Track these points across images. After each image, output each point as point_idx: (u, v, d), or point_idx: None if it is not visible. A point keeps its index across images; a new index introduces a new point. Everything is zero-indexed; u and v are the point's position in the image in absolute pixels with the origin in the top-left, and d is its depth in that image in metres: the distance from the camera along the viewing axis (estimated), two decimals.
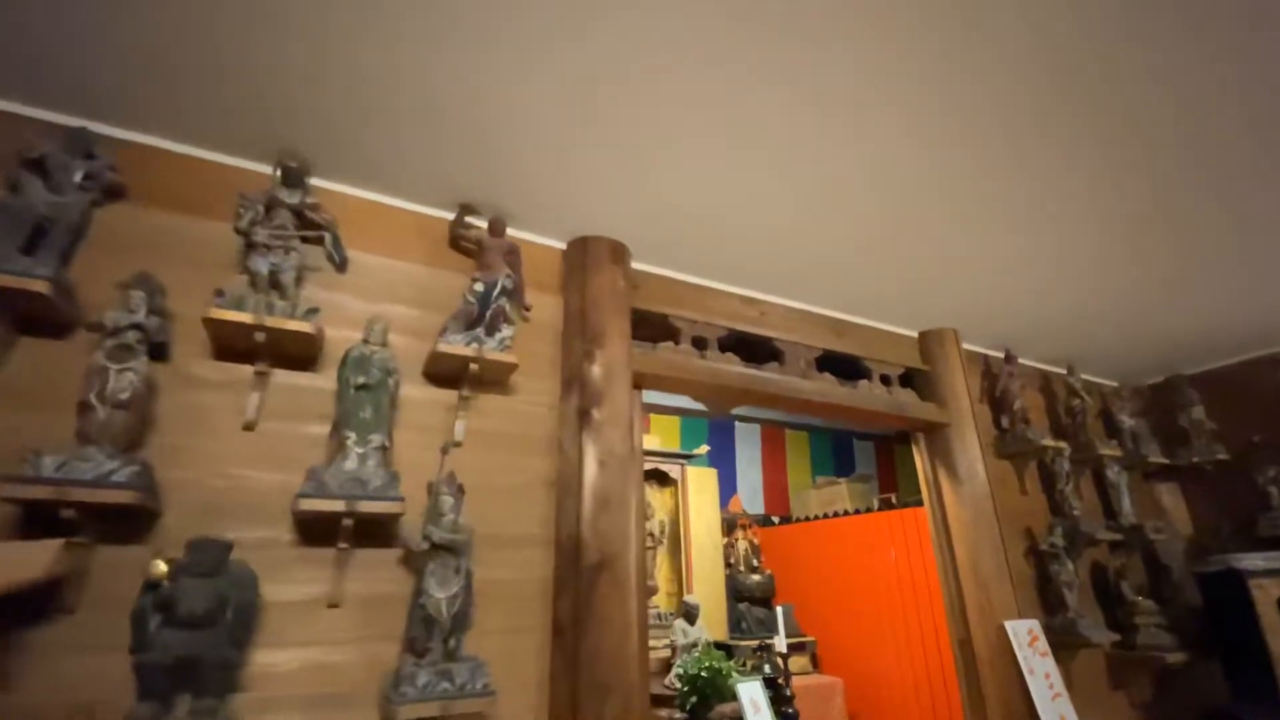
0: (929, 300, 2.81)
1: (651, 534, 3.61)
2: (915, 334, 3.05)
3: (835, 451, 5.83)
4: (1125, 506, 3.23)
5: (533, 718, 1.67)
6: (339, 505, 1.41)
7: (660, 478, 3.79)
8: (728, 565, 4.09)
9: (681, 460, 3.80)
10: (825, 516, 4.19)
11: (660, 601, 3.59)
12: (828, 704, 3.43)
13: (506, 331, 1.89)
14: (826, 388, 2.54)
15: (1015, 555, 2.82)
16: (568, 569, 1.76)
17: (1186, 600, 3.13)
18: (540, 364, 2.04)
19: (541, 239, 2.19)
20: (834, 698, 3.46)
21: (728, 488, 4.95)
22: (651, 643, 3.17)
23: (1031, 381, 3.42)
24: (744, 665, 3.42)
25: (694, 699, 2.48)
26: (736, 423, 5.37)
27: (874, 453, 6.10)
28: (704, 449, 3.98)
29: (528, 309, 2.01)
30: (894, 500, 3.84)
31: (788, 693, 2.76)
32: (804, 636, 3.84)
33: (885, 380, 2.79)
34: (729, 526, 4.27)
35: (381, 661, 1.52)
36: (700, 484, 3.87)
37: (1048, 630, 2.63)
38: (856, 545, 3.86)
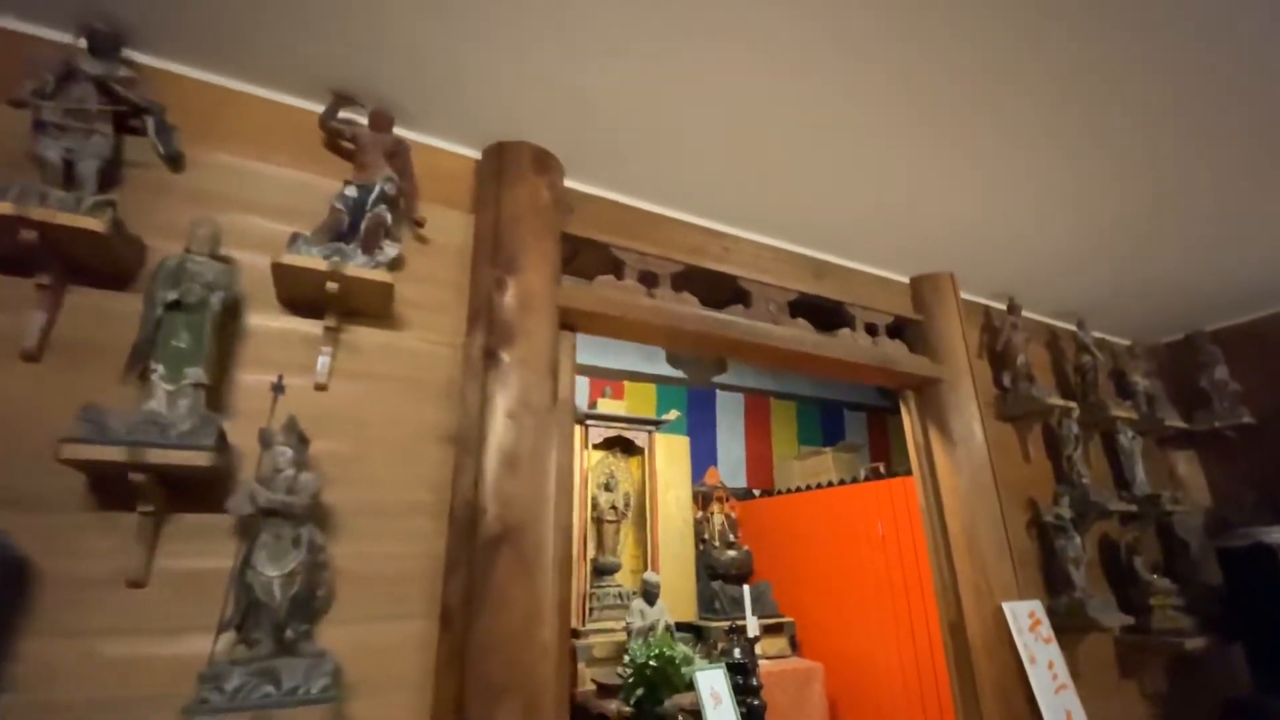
0: (924, 240, 2.44)
1: (614, 507, 3.28)
2: (907, 279, 2.68)
3: (824, 422, 5.50)
4: (1139, 475, 2.89)
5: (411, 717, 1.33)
6: (117, 454, 1.05)
7: (625, 446, 3.45)
8: (701, 541, 3.77)
9: (649, 427, 3.46)
10: (808, 489, 3.86)
11: (625, 580, 3.27)
12: (804, 690, 3.13)
13: (390, 251, 1.52)
14: (800, 335, 2.17)
15: (1016, 529, 2.48)
16: (461, 543, 1.42)
17: (1206, 579, 2.81)
18: (443, 294, 1.67)
19: (451, 145, 1.81)
20: (812, 684, 3.16)
21: (706, 459, 4.62)
22: (609, 625, 2.85)
23: (1037, 337, 3.06)
24: (715, 648, 3.12)
25: (640, 691, 2.16)
26: (718, 391, 5.02)
27: (865, 424, 5.77)
28: (673, 414, 3.63)
29: (420, 223, 1.64)
30: (882, 470, 3.50)
31: (753, 682, 2.44)
32: (781, 617, 3.54)
33: (871, 330, 2.43)
34: (704, 500, 3.95)
35: (201, 656, 1.17)
36: (671, 453, 3.53)
37: (1052, 613, 2.30)
38: (841, 519, 3.53)
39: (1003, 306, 2.87)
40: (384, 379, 1.54)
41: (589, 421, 3.26)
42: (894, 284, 2.64)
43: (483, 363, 1.56)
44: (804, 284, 2.32)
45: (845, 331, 2.34)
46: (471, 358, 1.58)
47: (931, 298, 2.62)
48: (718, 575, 3.61)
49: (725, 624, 3.29)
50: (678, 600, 3.18)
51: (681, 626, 3.17)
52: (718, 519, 3.88)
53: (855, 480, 3.54)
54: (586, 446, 3.24)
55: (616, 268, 1.94)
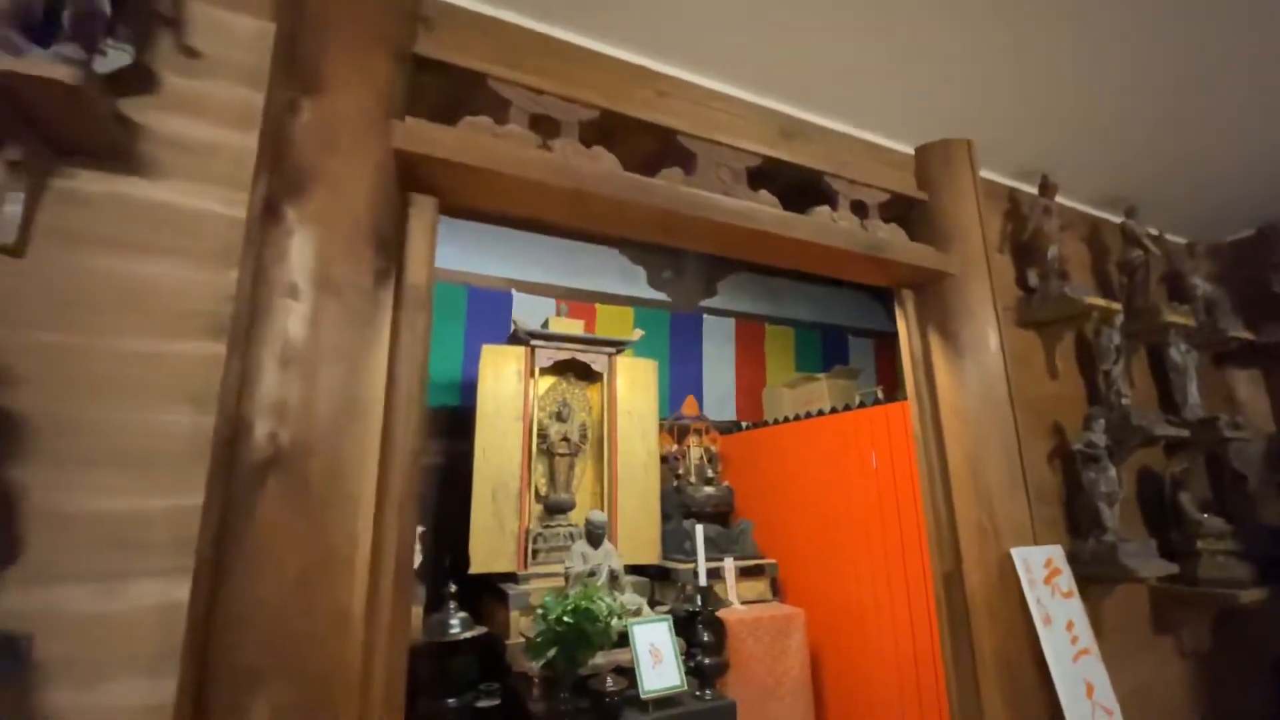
0: (933, 96, 1.88)
1: (566, 439, 2.87)
2: (910, 149, 2.11)
3: (826, 350, 4.98)
4: (1192, 395, 2.37)
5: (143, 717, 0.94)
6: None
7: (581, 371, 3.00)
8: (676, 477, 3.37)
9: (609, 349, 2.99)
10: (796, 419, 3.40)
11: (579, 519, 2.89)
12: (783, 639, 2.77)
13: (118, 57, 1.03)
14: (759, 210, 1.65)
15: (1035, 459, 2.01)
16: (218, 472, 0.99)
17: (1265, 519, 2.33)
18: (222, 131, 1.18)
19: None
20: (792, 631, 2.81)
21: (689, 388, 4.18)
22: (557, 569, 2.49)
23: (1074, 229, 2.49)
24: (683, 591, 2.76)
25: (552, 652, 1.80)
26: (705, 316, 4.51)
27: (873, 351, 5.25)
28: (636, 334, 3.15)
29: (172, 21, 1.13)
30: (880, 395, 3.02)
31: (704, 636, 2.07)
32: (762, 559, 3.16)
33: (859, 210, 1.89)
34: (680, 433, 3.53)
35: None
36: (635, 379, 3.08)
37: (1075, 560, 1.86)
38: (831, 451, 3.09)
39: (1032, 188, 2.30)
40: (125, 246, 1.07)
41: (535, 342, 2.80)
42: (892, 154, 2.08)
43: (260, 220, 1.08)
44: (768, 145, 1.77)
45: (823, 210, 1.81)
46: (252, 215, 1.11)
47: (941, 172, 2.06)
48: (692, 514, 3.22)
49: (689, 566, 2.92)
50: (639, 542, 2.81)
51: (643, 570, 2.81)
52: (695, 453, 3.46)
53: (848, 408, 3.07)
54: (533, 372, 2.80)
55: (498, 109, 1.43)
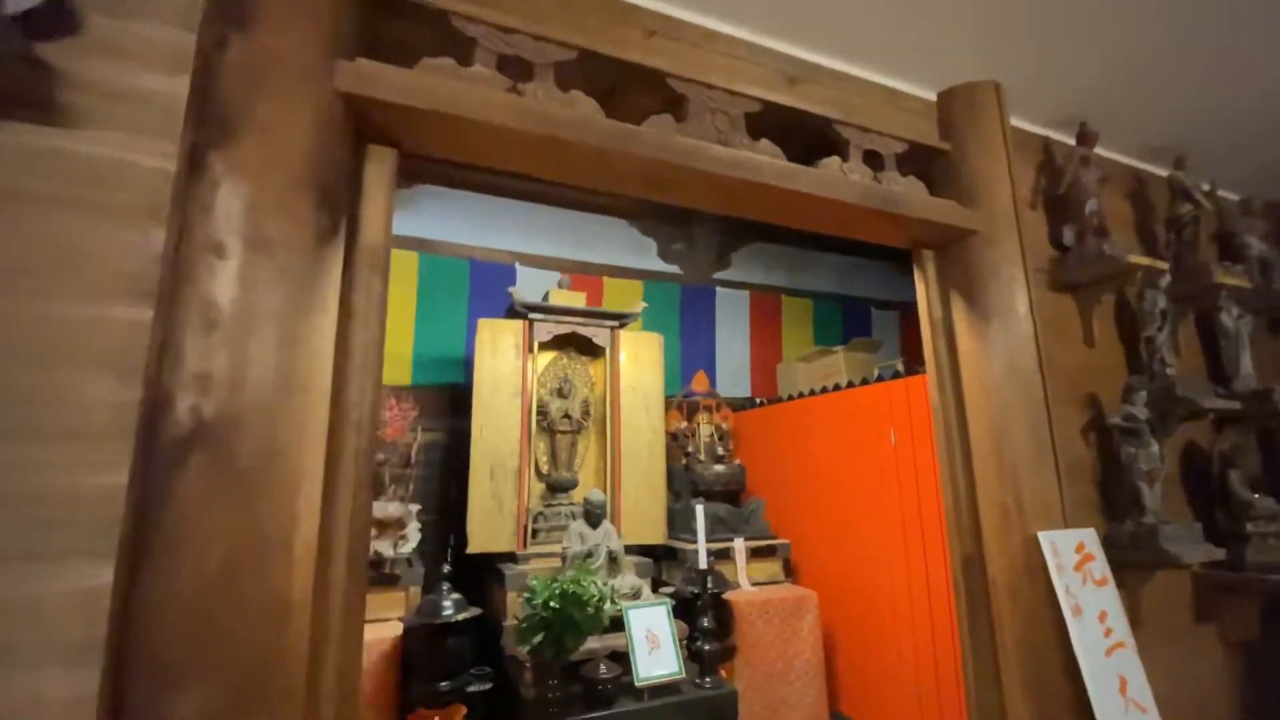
0: (957, 36, 1.68)
1: (568, 415, 2.77)
2: (932, 95, 1.92)
3: (847, 323, 4.79)
4: (1245, 365, 2.16)
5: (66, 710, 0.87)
6: None
7: (583, 346, 2.88)
8: (685, 455, 3.26)
9: (611, 322, 2.87)
10: (812, 393, 3.25)
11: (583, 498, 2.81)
12: (794, 621, 2.67)
13: None
14: (758, 161, 1.50)
15: (1068, 433, 1.84)
16: (142, 448, 0.90)
17: None
18: (155, 78, 1.07)
19: None
20: (804, 614, 2.70)
21: (700, 364, 4.04)
22: (557, 548, 2.40)
23: (1116, 184, 2.27)
24: (690, 571, 2.66)
25: (539, 638, 1.71)
26: (718, 289, 4.35)
27: (897, 325, 5.04)
28: (639, 306, 3.02)
29: None
30: (900, 368, 2.85)
31: (704, 621, 1.97)
32: (775, 539, 3.04)
33: (873, 162, 1.72)
34: (690, 409, 3.40)
35: None
36: (639, 354, 2.96)
37: (1110, 544, 1.70)
38: (848, 427, 2.94)
39: (1068, 138, 2.09)
40: (46, 203, 0.98)
41: (533, 316, 2.69)
42: (911, 99, 1.89)
43: (186, 169, 0.98)
44: (770, 90, 1.61)
45: (832, 161, 1.64)
46: (180, 164, 1.00)
47: (965, 119, 1.87)
48: (700, 492, 3.11)
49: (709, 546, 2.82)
50: (643, 522, 2.71)
51: (648, 551, 2.72)
52: (705, 430, 3.34)
53: (865, 382, 2.90)
54: (532, 347, 2.70)
55: (463, 50, 1.29)
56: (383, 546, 2.40)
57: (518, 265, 3.70)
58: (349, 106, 1.14)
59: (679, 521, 3.05)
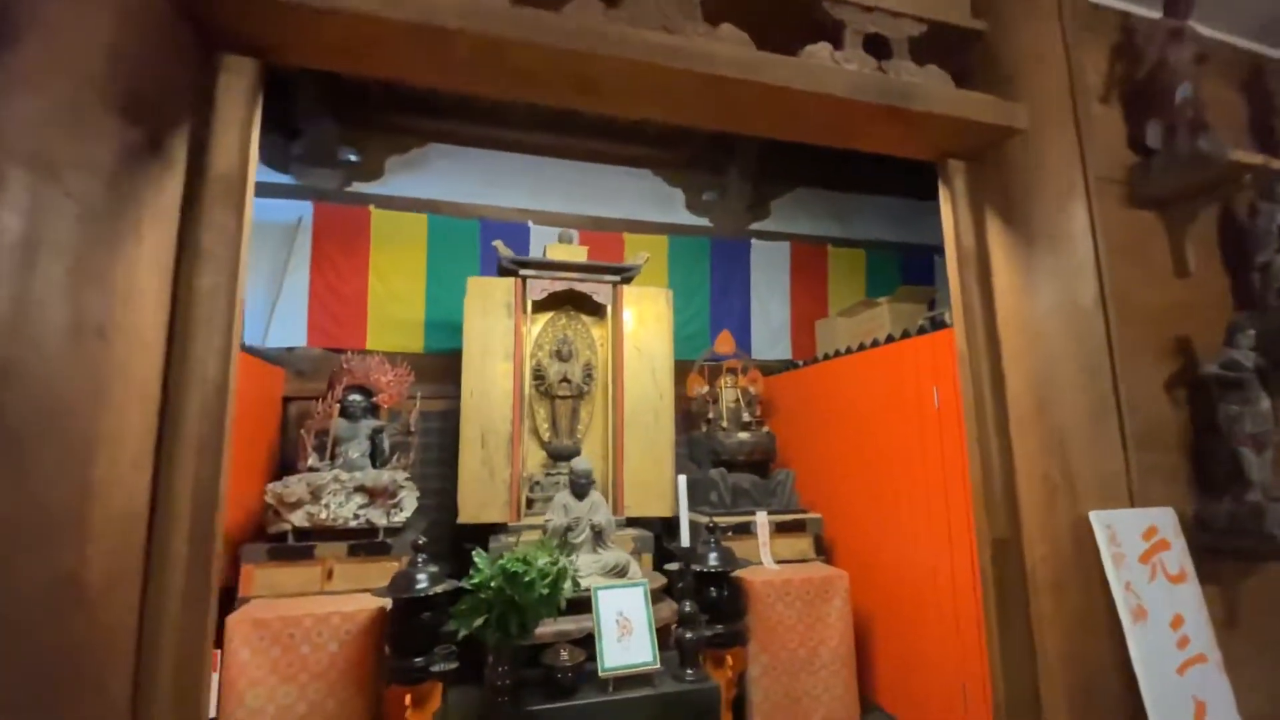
0: None
1: (567, 380, 2.57)
2: None
3: (906, 273, 4.28)
4: None
5: None
6: None
7: (584, 304, 2.66)
8: (706, 421, 3.00)
9: (611, 276, 2.62)
10: (848, 351, 2.88)
11: (595, 465, 2.62)
12: (820, 604, 2.39)
13: None
14: (713, 50, 1.20)
15: (1145, 386, 1.45)
16: None
17: None
18: None
19: None
20: (832, 597, 2.41)
21: (732, 325, 3.73)
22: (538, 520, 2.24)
23: (1224, 69, 1.77)
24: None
25: (479, 621, 1.53)
26: (753, 242, 3.99)
27: None
28: (642, 257, 2.74)
29: None
30: (947, 318, 2.44)
31: (685, 607, 1.74)
32: (804, 512, 2.75)
33: (878, 49, 1.37)
34: (713, 373, 3.13)
35: None
36: (643, 311, 2.69)
37: (1203, 527, 1.32)
38: (887, 388, 2.57)
39: (1151, 11, 1.62)
40: None
41: (524, 273, 2.49)
42: None
43: None
44: None
45: (820, 48, 1.31)
46: None
47: None
48: (723, 462, 2.86)
49: (726, 520, 2.58)
50: (648, 493, 2.50)
51: (647, 524, 2.50)
52: (729, 395, 3.06)
53: (908, 335, 2.52)
54: (525, 307, 2.50)
55: None
56: (374, 515, 2.33)
57: (531, 224, 3.51)
58: (183, 4, 0.95)
59: (697, 493, 2.82)
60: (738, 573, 2.37)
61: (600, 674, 1.60)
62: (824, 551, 2.74)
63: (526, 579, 1.52)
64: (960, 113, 1.36)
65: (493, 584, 1.52)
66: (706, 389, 3.07)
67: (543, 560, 1.58)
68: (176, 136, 0.97)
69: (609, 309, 2.61)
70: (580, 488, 2.05)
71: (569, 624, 1.70)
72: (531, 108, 3.55)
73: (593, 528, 1.97)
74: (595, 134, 3.70)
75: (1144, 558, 1.17)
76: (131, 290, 0.88)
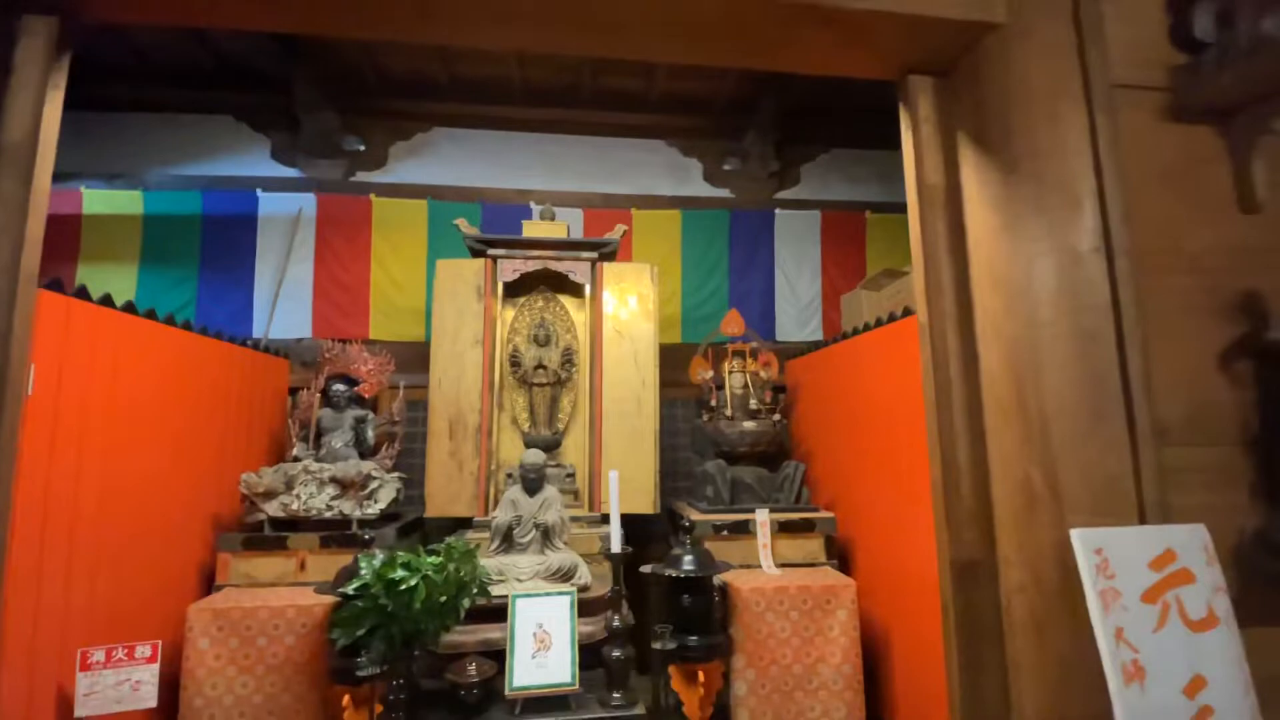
0: None
1: (542, 366, 2.40)
2: None
3: None
4: None
5: None
6: None
7: (560, 284, 2.47)
8: (709, 410, 2.75)
9: (589, 253, 2.41)
10: (866, 327, 2.52)
11: (574, 458, 2.45)
12: (821, 616, 2.10)
13: None
14: None
15: (1186, 357, 1.08)
16: None
17: None
18: None
19: None
20: (836, 608, 2.12)
21: (753, 303, 3.44)
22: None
23: None
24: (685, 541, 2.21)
25: (361, 631, 1.38)
26: (777, 212, 3.64)
27: None
28: (619, 231, 2.50)
29: None
30: None
31: (615, 621, 1.52)
32: (813, 510, 2.45)
33: None
34: (717, 356, 2.86)
35: None
36: (624, 290, 2.47)
37: (1263, 549, 0.97)
38: (906, 369, 2.21)
39: None
40: None
41: (492, 252, 2.34)
42: None
43: None
44: None
45: None
46: None
47: None
48: (724, 454, 2.60)
49: (721, 518, 2.34)
50: (629, 488, 2.29)
51: (634, 520, 2.30)
52: (736, 380, 2.78)
53: None
54: (495, 289, 2.35)
55: None
56: (346, 506, 2.28)
57: (532, 205, 3.36)
58: None
59: (696, 489, 2.58)
60: (726, 578, 2.13)
61: (507, 693, 1.44)
62: (837, 555, 2.43)
63: (402, 587, 1.37)
64: (916, 9, 1.05)
65: (374, 591, 1.39)
66: (711, 374, 2.81)
67: (430, 564, 1.42)
68: None
69: (587, 289, 2.42)
70: (530, 483, 1.89)
71: (496, 632, 1.55)
72: (533, 83, 3.40)
73: (537, 526, 1.81)
74: (603, 105, 3.50)
75: (1150, 595, 0.84)
76: None
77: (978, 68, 1.09)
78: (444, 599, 1.42)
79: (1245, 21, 1.08)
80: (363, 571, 1.45)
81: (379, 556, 1.50)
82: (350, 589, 1.45)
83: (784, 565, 2.33)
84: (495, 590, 1.62)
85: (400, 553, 1.48)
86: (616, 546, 1.57)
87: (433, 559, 1.46)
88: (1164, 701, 0.80)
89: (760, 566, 2.30)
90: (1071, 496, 0.93)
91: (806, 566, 2.36)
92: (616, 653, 1.51)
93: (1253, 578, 1.05)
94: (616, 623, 1.54)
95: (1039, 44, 1.04)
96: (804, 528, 2.41)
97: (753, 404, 2.75)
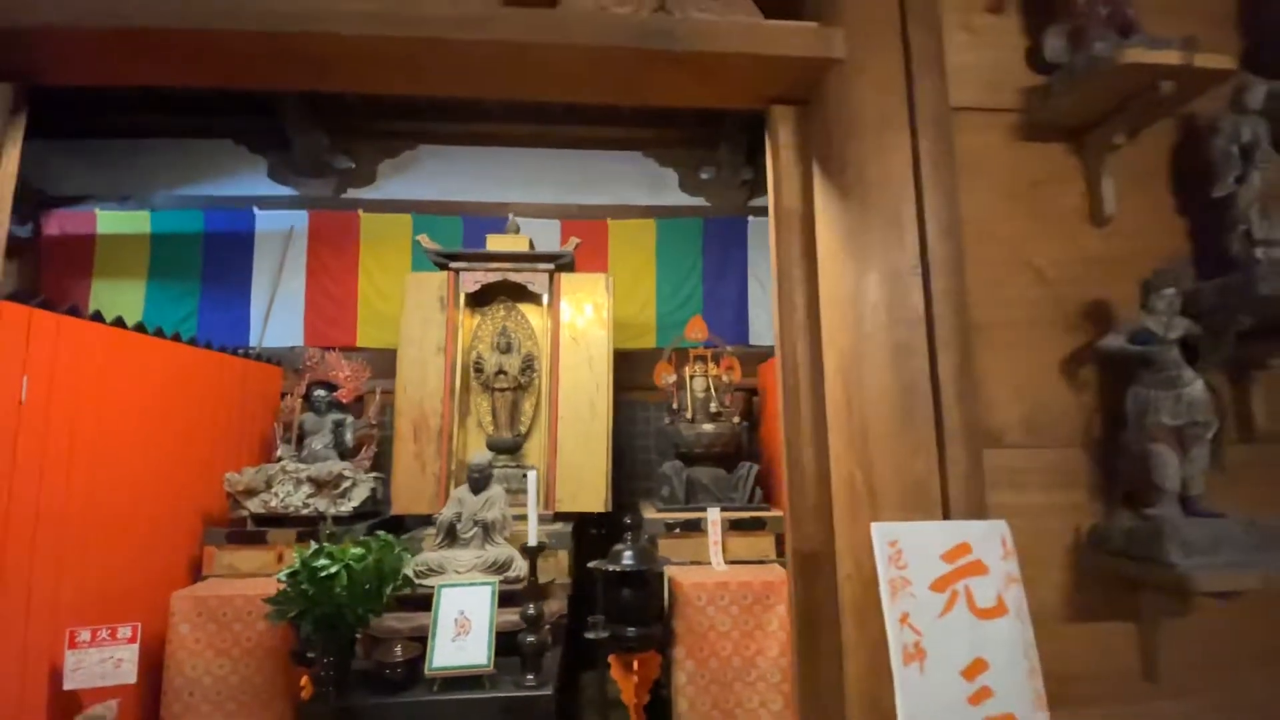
0: None
1: (503, 372, 2.54)
2: None
3: None
4: None
5: None
6: None
7: (521, 294, 2.60)
8: (670, 412, 2.85)
9: (546, 265, 2.54)
10: None
11: (539, 459, 2.58)
12: (759, 611, 2.19)
13: None
14: (432, 10, 1.09)
15: (1032, 364, 1.16)
16: None
17: None
18: None
19: None
20: (775, 604, 2.20)
21: (727, 309, 3.52)
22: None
23: None
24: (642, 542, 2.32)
25: (293, 614, 1.52)
26: (750, 219, 3.72)
27: None
28: (572, 243, 2.62)
29: None
30: None
31: (529, 609, 1.63)
32: (765, 509, 2.53)
33: None
34: (680, 361, 2.95)
35: None
36: (579, 299, 2.58)
37: (1094, 545, 1.03)
38: None
39: None
40: None
41: (454, 265, 2.48)
42: None
43: None
44: None
45: None
46: None
47: None
48: (682, 455, 2.70)
49: (675, 516, 2.45)
50: (582, 488, 2.41)
51: (596, 521, 2.42)
52: (698, 384, 2.87)
53: None
54: (457, 300, 2.50)
55: None
56: (321, 504, 2.44)
57: (511, 216, 3.50)
58: None
59: (656, 489, 2.68)
60: (670, 572, 2.23)
61: (427, 673, 1.57)
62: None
63: (323, 575, 1.51)
64: (762, 48, 1.15)
65: (300, 580, 1.53)
66: (674, 378, 2.91)
67: (353, 555, 1.56)
68: None
69: (545, 298, 2.54)
70: (475, 482, 2.02)
71: (426, 619, 1.68)
72: (513, 100, 3.55)
73: (478, 523, 1.93)
74: (581, 119, 3.63)
75: (940, 584, 0.92)
76: None
77: (826, 99, 1.18)
78: (367, 586, 1.56)
79: (1096, 31, 1.15)
80: (297, 558, 1.60)
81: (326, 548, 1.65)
82: (282, 575, 1.60)
83: (735, 562, 2.42)
84: (437, 581, 1.76)
85: (326, 544, 1.63)
86: (534, 540, 1.69)
87: (356, 550, 1.61)
88: (942, 681, 0.88)
89: (710, 563, 2.39)
90: (884, 493, 1.01)
91: (756, 564, 2.44)
92: (531, 638, 1.63)
93: (1089, 574, 1.12)
94: (532, 611, 1.66)
95: (871, 77, 1.12)
96: (755, 526, 2.49)
97: (713, 407, 2.83)
